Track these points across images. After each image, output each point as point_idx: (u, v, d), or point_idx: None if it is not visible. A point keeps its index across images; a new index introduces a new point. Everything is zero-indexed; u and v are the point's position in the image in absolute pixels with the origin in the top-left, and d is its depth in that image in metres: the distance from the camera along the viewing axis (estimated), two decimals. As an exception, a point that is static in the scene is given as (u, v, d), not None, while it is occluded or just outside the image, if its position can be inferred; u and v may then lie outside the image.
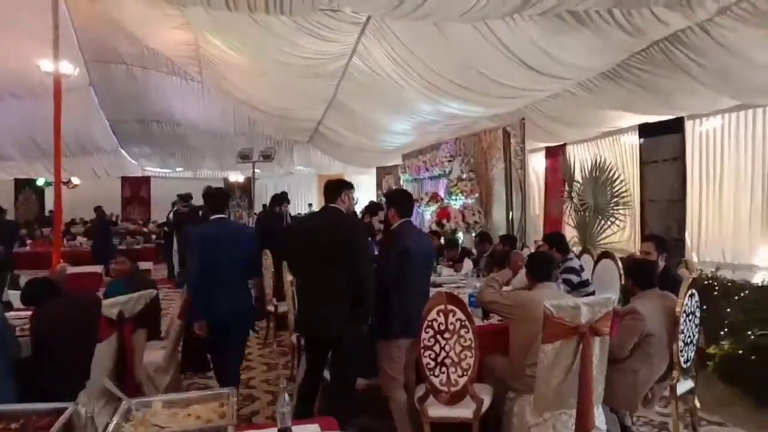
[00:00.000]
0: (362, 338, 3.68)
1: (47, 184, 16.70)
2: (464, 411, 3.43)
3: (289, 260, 3.92)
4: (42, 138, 13.75)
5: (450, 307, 3.41)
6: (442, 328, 3.43)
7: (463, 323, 3.41)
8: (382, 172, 16.27)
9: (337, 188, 3.82)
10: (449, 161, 11.31)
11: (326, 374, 3.90)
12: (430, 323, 3.44)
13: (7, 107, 14.28)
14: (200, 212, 11.28)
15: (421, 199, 11.78)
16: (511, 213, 9.57)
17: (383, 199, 14.93)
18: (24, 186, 18.46)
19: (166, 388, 4.42)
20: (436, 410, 3.46)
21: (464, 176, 10.57)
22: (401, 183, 13.94)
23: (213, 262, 4.08)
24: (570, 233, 8.90)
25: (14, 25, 11.81)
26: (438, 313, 3.43)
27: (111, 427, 1.81)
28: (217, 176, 18.87)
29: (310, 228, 3.93)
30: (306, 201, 19.58)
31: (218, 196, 4.51)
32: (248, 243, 4.43)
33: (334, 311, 3.59)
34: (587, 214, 8.83)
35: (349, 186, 3.89)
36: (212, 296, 4.06)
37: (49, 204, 16.59)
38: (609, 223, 8.61)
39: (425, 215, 11.61)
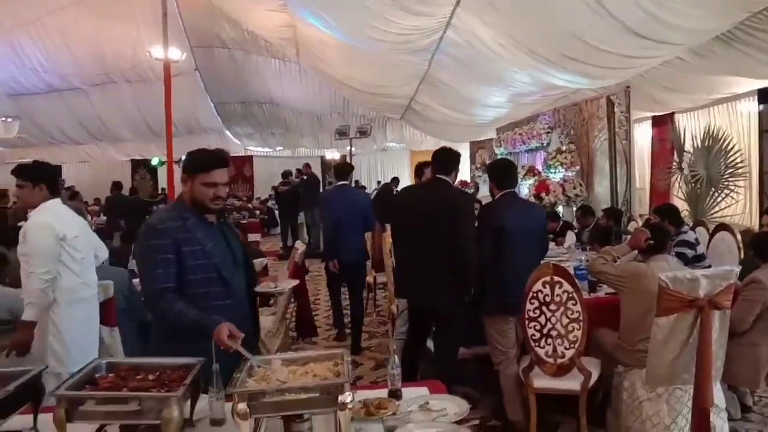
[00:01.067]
0: (465, 309, 3.69)
1: (160, 163, 17.86)
2: (571, 383, 3.37)
3: (394, 229, 3.96)
4: (153, 120, 14.68)
5: (556, 278, 3.35)
6: (548, 299, 3.37)
7: (570, 295, 3.33)
8: (475, 146, 16.05)
9: (453, 159, 3.84)
10: (547, 133, 10.96)
11: (429, 344, 3.97)
12: (534, 295, 3.40)
13: (121, 92, 15.35)
14: (300, 189, 11.77)
15: (518, 172, 11.52)
16: (615, 186, 9.16)
17: (478, 174, 14.82)
18: (139, 166, 19.83)
19: (277, 351, 4.66)
20: (542, 381, 3.42)
21: (564, 148, 10.21)
22: (496, 157, 13.71)
23: (337, 218, 5.61)
24: (679, 206, 8.42)
25: (126, 15, 12.61)
26: (543, 285, 3.37)
27: (238, 381, 1.93)
28: (314, 154, 19.38)
29: (417, 198, 3.93)
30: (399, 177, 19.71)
31: (344, 166, 6.46)
32: (364, 203, 6.06)
33: (436, 282, 3.62)
34: (699, 186, 8.32)
35: (459, 160, 3.89)
36: (339, 242, 5.60)
37: (162, 182, 17.74)
38: (723, 195, 8.08)
39: (522, 189, 11.37)
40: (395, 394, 2.27)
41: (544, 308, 3.38)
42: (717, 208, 8.07)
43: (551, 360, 3.38)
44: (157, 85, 11.99)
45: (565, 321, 3.34)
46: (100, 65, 14.24)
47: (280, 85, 15.32)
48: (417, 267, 3.72)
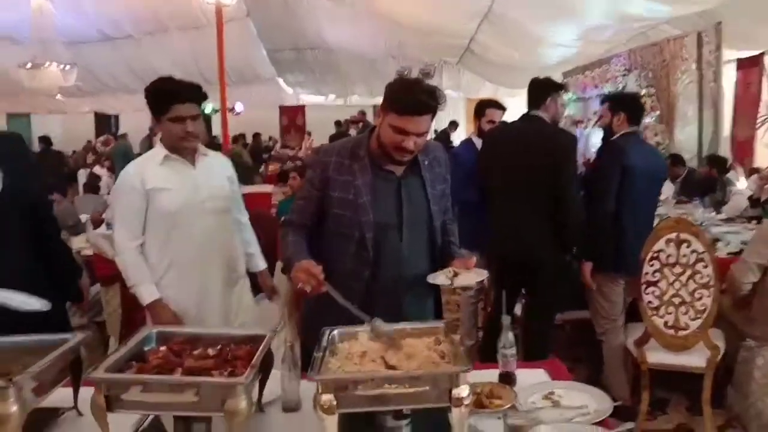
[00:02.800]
0: (565, 267, 3.17)
1: (214, 111, 17.62)
2: (694, 359, 2.85)
3: (484, 175, 3.40)
4: (206, 68, 14.33)
5: (683, 236, 2.79)
6: (672, 261, 2.83)
7: (700, 256, 2.77)
8: (539, 93, 15.09)
9: (543, 89, 3.22)
10: (623, 75, 10.05)
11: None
12: (655, 255, 2.85)
13: (172, 40, 15.01)
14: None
15: (588, 120, 10.70)
16: (701, 132, 8.31)
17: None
18: (193, 114, 19.66)
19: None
20: (659, 356, 2.92)
21: (642, 92, 9.32)
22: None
23: None
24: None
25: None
26: (667, 243, 2.82)
27: (320, 361, 1.51)
28: (367, 103, 18.77)
29: (509, 140, 3.34)
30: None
31: None
32: None
33: (533, 235, 3.08)
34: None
35: (557, 87, 3.29)
36: None
37: (215, 129, 17.56)
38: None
39: (591, 138, 10.57)
40: (508, 379, 1.81)
41: (666, 271, 2.84)
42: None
43: (671, 332, 2.86)
44: (209, 32, 11.59)
45: (692, 287, 2.80)
46: (152, 12, 13.89)
47: (333, 29, 14.67)
48: (513, 217, 3.16)
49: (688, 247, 2.77)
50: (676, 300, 2.82)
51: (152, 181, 2.39)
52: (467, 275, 1.94)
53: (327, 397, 1.40)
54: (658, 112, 9.14)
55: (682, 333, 2.82)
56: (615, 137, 3.20)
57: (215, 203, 2.48)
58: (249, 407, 1.41)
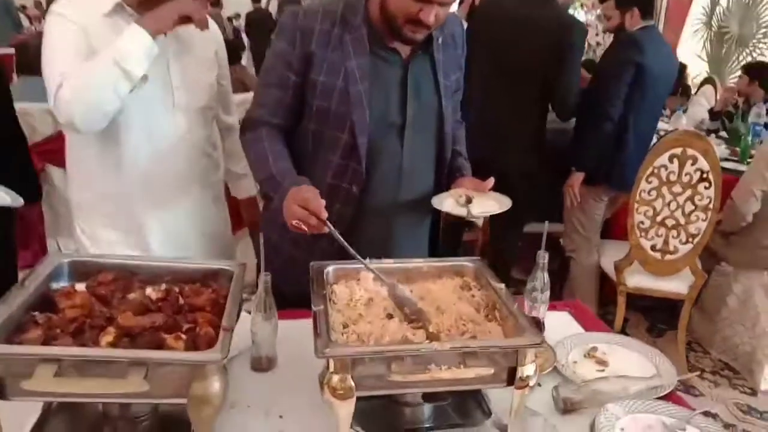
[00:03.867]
0: (537, 175, 2.77)
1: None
2: (677, 285, 2.66)
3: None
4: None
5: (691, 152, 2.48)
6: (672, 178, 2.53)
7: (704, 176, 2.49)
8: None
9: None
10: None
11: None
12: (655, 171, 2.54)
13: None
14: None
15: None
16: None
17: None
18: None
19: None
20: (638, 280, 2.70)
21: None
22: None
23: None
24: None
25: None
26: (671, 159, 2.51)
27: (321, 318, 1.06)
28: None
29: (505, 16, 2.64)
30: None
31: None
32: None
33: (516, 137, 2.65)
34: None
35: None
36: None
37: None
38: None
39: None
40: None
41: (664, 189, 2.55)
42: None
43: (657, 255, 2.63)
44: None
45: (689, 208, 2.54)
46: None
47: None
48: (494, 115, 2.65)
49: (693, 164, 2.48)
50: (669, 222, 2.57)
51: (96, 41, 1.48)
52: (485, 201, 1.49)
53: (337, 379, 0.97)
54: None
55: (669, 257, 2.61)
56: (631, 31, 2.74)
57: (192, 95, 1.64)
58: (224, 391, 0.96)
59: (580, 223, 2.90)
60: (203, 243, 1.74)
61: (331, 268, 1.28)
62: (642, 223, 2.60)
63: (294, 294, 1.35)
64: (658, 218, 2.58)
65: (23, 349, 0.92)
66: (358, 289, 1.25)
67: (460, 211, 1.45)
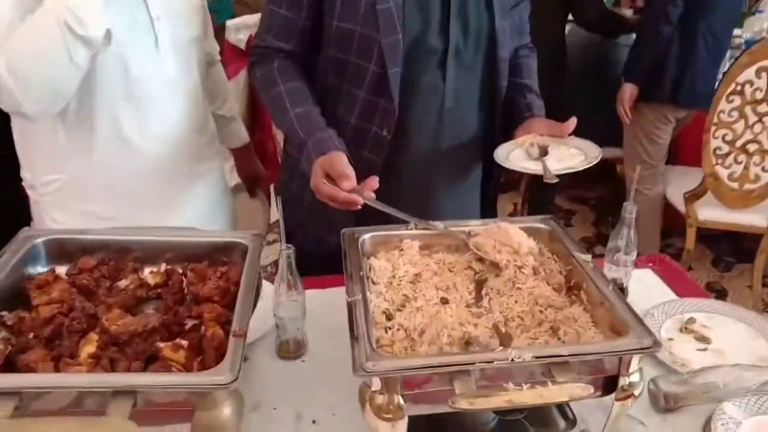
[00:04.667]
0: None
1: None
2: (755, 218, 2.34)
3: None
4: None
5: (785, 63, 2.10)
6: (759, 96, 2.17)
7: (799, 91, 2.13)
8: None
9: None
10: None
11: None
12: (738, 88, 2.17)
13: None
14: None
15: None
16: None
17: None
18: None
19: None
20: (710, 212, 2.39)
21: None
22: None
23: None
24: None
25: None
26: (758, 74, 2.13)
27: (358, 309, 0.82)
28: None
29: None
30: None
31: None
32: None
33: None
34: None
35: None
36: None
37: None
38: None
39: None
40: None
41: (747, 110, 2.19)
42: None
43: (734, 185, 2.30)
44: None
45: (778, 131, 2.19)
46: None
47: None
48: None
49: (785, 79, 2.11)
50: (752, 147, 2.22)
51: None
52: (565, 151, 1.17)
53: (387, 399, 0.74)
54: None
55: (748, 186, 2.28)
56: None
57: (177, 26, 1.27)
58: (238, 416, 0.74)
59: (645, 151, 2.56)
60: (205, 211, 1.41)
61: (367, 236, 1.03)
62: (719, 148, 2.26)
63: (320, 254, 1.14)
64: (739, 143, 2.23)
65: None
66: (401, 263, 1.01)
67: (533, 167, 1.13)
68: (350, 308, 0.84)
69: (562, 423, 0.91)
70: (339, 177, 1.04)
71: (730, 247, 2.91)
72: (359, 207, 1.04)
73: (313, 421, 0.95)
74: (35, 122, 1.15)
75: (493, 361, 0.73)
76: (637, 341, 0.76)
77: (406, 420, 0.75)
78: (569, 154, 1.16)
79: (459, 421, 0.92)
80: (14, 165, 1.31)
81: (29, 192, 1.30)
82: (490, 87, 1.30)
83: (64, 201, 1.23)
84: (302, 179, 1.20)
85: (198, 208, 1.36)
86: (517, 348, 0.76)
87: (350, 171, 1.05)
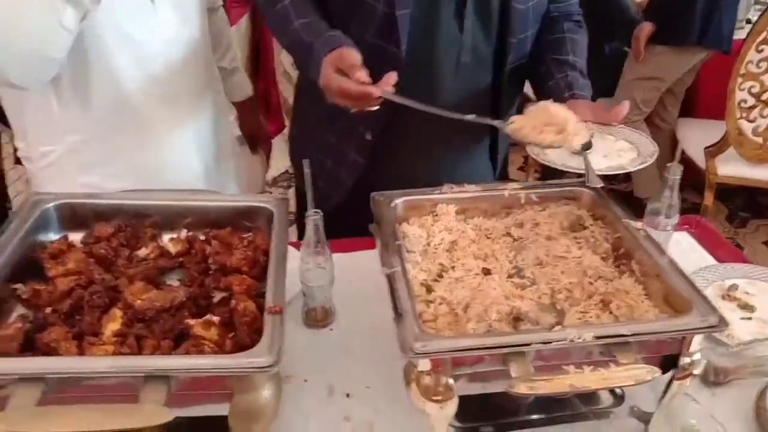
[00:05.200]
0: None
1: None
2: (776, 174, 2.29)
3: None
4: None
5: (821, 11, 2.00)
6: (791, 46, 2.07)
7: (834, 41, 2.03)
8: None
9: None
10: None
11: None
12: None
13: None
14: None
15: None
16: None
17: None
18: None
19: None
20: (732, 168, 2.33)
21: None
22: None
23: None
24: None
25: None
26: (792, 21, 2.04)
27: (399, 282, 0.77)
28: None
29: None
30: None
31: None
32: None
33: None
34: None
35: None
36: None
37: None
38: None
39: None
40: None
41: (777, 61, 2.10)
42: None
43: (758, 140, 2.23)
44: None
45: (808, 83, 2.10)
46: None
47: None
48: None
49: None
50: (779, 100, 2.15)
51: None
52: (612, 142, 1.00)
53: (435, 379, 0.69)
54: None
55: (772, 141, 2.21)
56: None
57: None
58: (277, 398, 0.69)
59: (641, 96, 2.48)
60: (211, 171, 1.31)
61: (399, 201, 0.97)
62: (744, 101, 2.17)
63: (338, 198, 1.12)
64: (765, 96, 2.15)
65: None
66: (436, 229, 0.95)
67: (574, 165, 0.96)
68: (390, 282, 0.78)
69: (609, 399, 0.87)
70: (351, 68, 0.94)
71: (745, 202, 2.86)
72: (376, 105, 0.95)
73: (347, 395, 0.91)
74: (28, 91, 1.06)
75: (551, 342, 0.68)
76: (702, 319, 0.71)
77: (456, 401, 0.71)
78: (617, 149, 1.00)
79: (499, 394, 0.88)
80: None
81: (25, 164, 1.21)
82: (504, 44, 1.17)
83: (62, 173, 1.13)
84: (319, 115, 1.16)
85: (204, 169, 1.27)
86: (574, 326, 0.71)
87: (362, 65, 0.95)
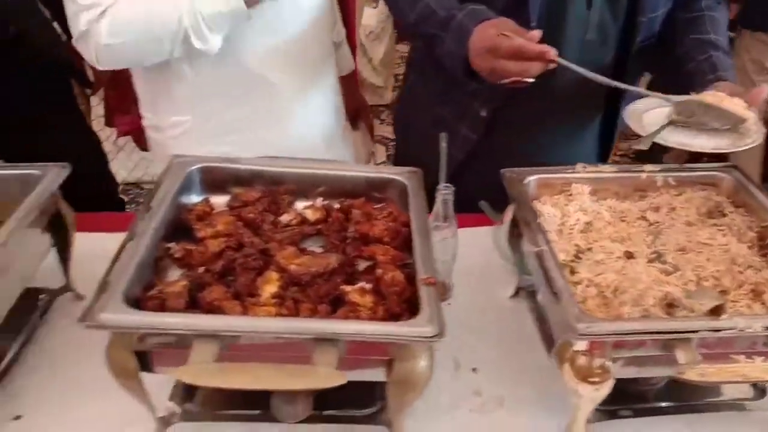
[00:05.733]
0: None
1: None
2: None
3: None
4: None
5: None
6: None
7: None
8: None
9: None
10: None
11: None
12: None
13: None
14: None
15: None
16: None
17: None
18: None
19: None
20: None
21: None
22: None
23: None
24: None
25: None
26: None
27: (545, 258, 0.76)
28: None
29: None
30: None
31: None
32: None
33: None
34: None
35: None
36: None
37: None
38: None
39: None
40: None
41: None
42: None
43: None
44: None
45: None
46: None
47: None
48: None
49: None
50: None
51: None
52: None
53: (591, 361, 0.69)
54: None
55: None
56: None
57: None
58: (432, 369, 0.70)
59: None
60: (331, 143, 1.31)
61: (533, 179, 0.95)
62: None
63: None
64: None
65: (162, 321, 0.66)
66: (571, 208, 0.93)
67: (697, 144, 0.94)
68: (540, 260, 0.78)
69: (750, 391, 0.85)
70: (517, 31, 0.92)
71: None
72: (538, 72, 0.93)
73: (473, 369, 0.92)
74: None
75: (720, 330, 0.66)
76: None
77: (611, 384, 0.70)
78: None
79: (628, 380, 0.87)
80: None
81: (151, 133, 1.25)
82: (631, 22, 1.13)
83: (191, 143, 1.16)
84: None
85: (323, 140, 1.28)
86: (739, 314, 0.70)
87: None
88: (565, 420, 0.79)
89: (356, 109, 1.59)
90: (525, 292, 1.02)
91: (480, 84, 1.00)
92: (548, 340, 0.82)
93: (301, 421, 0.75)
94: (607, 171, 0.97)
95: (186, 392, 0.80)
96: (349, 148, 1.40)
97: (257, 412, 0.78)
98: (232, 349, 0.65)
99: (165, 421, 0.76)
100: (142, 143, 1.63)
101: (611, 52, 1.16)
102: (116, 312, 0.63)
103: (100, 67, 1.07)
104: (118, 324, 0.63)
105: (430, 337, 0.64)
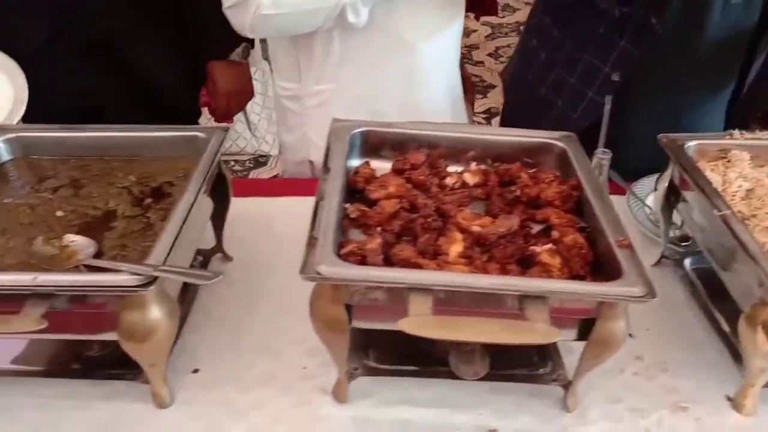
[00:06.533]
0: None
1: None
2: None
3: None
4: None
5: None
6: None
7: None
8: None
9: None
10: None
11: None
12: None
13: None
14: None
15: None
16: None
17: None
18: None
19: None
20: None
21: None
22: None
23: None
24: None
25: None
26: None
27: (731, 222, 0.75)
28: None
29: None
30: None
31: None
32: None
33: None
34: None
35: None
36: None
37: None
38: None
39: None
40: None
41: None
42: None
43: None
44: None
45: None
46: None
47: None
48: None
49: None
50: None
51: None
52: None
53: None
54: None
55: None
56: None
57: None
58: (626, 333, 0.70)
59: None
60: (456, 113, 1.32)
61: (692, 144, 0.94)
62: None
63: None
64: None
65: (385, 275, 0.67)
66: (732, 175, 0.92)
67: None
68: (726, 223, 0.77)
69: None
70: None
71: None
72: None
73: (630, 335, 0.89)
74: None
75: None
76: None
77: None
78: None
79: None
80: None
81: (289, 104, 1.26)
82: None
83: (332, 111, 1.17)
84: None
85: (451, 107, 1.29)
86: None
87: None
88: (733, 387, 0.80)
89: (464, 78, 1.60)
90: (670, 261, 1.02)
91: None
92: (720, 308, 0.82)
93: (480, 379, 0.77)
94: (765, 138, 0.95)
95: (363, 351, 0.82)
96: (465, 114, 1.40)
97: (437, 368, 0.79)
98: (441, 304, 0.66)
99: (350, 375, 0.78)
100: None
101: (754, 16, 1.14)
102: (334, 265, 0.65)
103: (250, 36, 1.09)
104: (342, 277, 0.64)
105: (641, 296, 0.65)
